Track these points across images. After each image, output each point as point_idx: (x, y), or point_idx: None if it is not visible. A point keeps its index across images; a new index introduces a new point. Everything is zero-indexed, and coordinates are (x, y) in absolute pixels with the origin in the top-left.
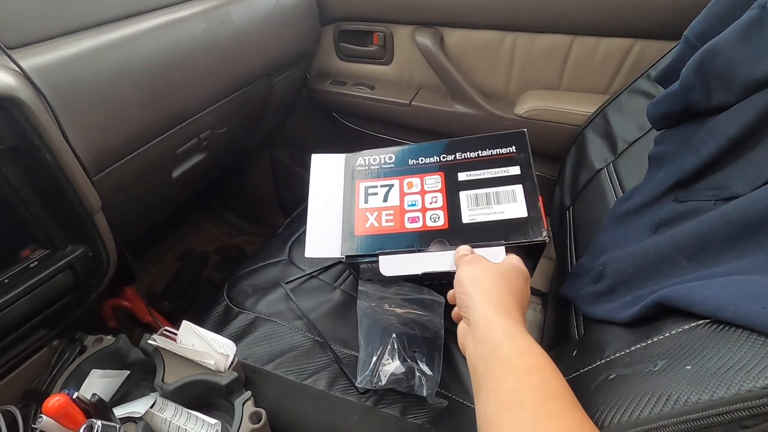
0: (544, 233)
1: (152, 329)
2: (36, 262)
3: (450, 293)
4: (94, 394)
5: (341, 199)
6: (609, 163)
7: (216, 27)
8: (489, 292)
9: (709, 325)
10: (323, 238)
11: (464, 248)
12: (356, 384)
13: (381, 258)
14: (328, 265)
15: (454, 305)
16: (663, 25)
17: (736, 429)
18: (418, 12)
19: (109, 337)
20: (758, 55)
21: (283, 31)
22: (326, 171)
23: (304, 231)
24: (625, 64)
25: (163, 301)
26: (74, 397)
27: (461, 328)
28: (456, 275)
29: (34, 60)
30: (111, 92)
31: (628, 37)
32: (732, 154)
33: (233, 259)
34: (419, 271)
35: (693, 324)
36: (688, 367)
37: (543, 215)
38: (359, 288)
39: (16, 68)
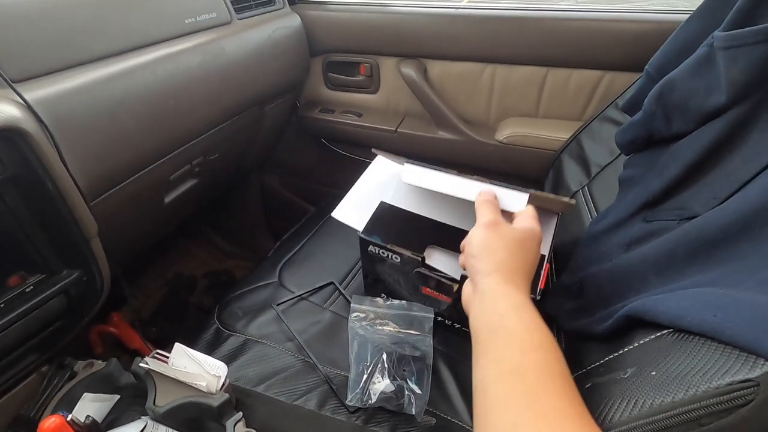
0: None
1: (140, 355)
2: (31, 287)
3: (463, 244)
4: (87, 416)
5: (385, 192)
6: (584, 186)
7: (210, 59)
8: (502, 263)
9: (672, 333)
10: (355, 210)
11: (488, 192)
12: (346, 402)
13: (406, 164)
14: (317, 287)
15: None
16: (628, 59)
17: (695, 427)
18: (403, 45)
19: (99, 361)
20: (708, 88)
21: (274, 63)
22: (383, 170)
23: (294, 254)
24: (596, 94)
25: (151, 326)
26: (68, 419)
27: (468, 288)
28: (470, 234)
29: (37, 93)
30: (109, 122)
31: (597, 69)
32: (691, 177)
33: (222, 283)
34: (439, 189)
35: (658, 334)
36: (653, 373)
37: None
38: (352, 305)
39: (20, 100)
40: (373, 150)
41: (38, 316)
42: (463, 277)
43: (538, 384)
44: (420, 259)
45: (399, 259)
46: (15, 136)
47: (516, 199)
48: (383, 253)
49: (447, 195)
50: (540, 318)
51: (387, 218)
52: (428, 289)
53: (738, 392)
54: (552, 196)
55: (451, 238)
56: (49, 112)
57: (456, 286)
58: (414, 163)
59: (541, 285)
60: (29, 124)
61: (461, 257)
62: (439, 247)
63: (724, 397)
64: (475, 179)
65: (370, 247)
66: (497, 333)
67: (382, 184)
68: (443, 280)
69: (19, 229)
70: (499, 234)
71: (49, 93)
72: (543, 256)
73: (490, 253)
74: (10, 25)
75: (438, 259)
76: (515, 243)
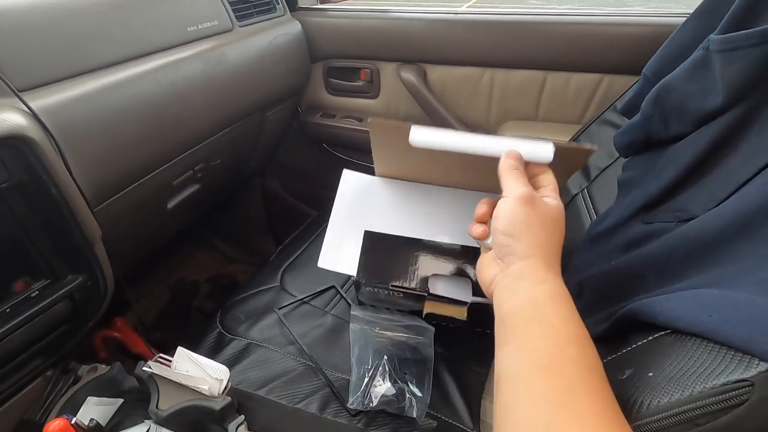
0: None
1: (143, 360)
2: (36, 292)
3: (478, 217)
4: (92, 419)
5: (364, 219)
6: (583, 189)
7: (212, 67)
8: (541, 245)
9: (669, 335)
10: (340, 252)
11: (514, 153)
12: (348, 405)
13: (413, 127)
14: (319, 291)
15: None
16: (626, 62)
17: (691, 427)
18: (402, 50)
19: (103, 365)
20: (705, 91)
21: (276, 69)
22: (355, 189)
23: (296, 258)
24: (595, 97)
25: (155, 331)
26: (73, 422)
27: (490, 266)
28: (501, 208)
29: (42, 101)
30: (113, 129)
31: (596, 72)
32: (689, 179)
33: (225, 287)
34: (454, 147)
35: (656, 335)
36: (651, 374)
37: None
38: (351, 312)
39: (26, 109)
40: (369, 121)
41: (43, 321)
42: (474, 303)
43: (576, 382)
44: (425, 293)
45: (402, 295)
46: (20, 143)
47: (542, 151)
48: (383, 291)
49: (433, 205)
50: (575, 309)
51: (378, 251)
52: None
53: (733, 392)
54: (574, 145)
55: (448, 256)
56: (53, 120)
57: (466, 310)
58: (420, 127)
59: None
60: (34, 132)
61: (474, 228)
62: (440, 274)
63: (720, 397)
64: (491, 137)
65: (367, 288)
66: (532, 321)
67: (360, 206)
68: (452, 310)
69: (25, 235)
70: (537, 211)
71: (54, 101)
72: None
73: (529, 231)
74: (15, 34)
75: (443, 287)
76: (553, 222)
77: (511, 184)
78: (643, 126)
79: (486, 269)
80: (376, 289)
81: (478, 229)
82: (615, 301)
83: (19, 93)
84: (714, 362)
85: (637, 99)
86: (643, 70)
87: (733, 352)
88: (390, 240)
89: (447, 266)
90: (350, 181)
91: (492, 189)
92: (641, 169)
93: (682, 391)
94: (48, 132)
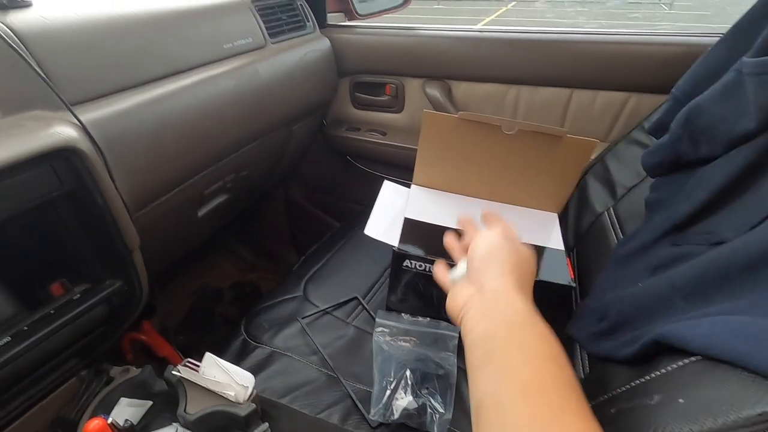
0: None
1: (168, 363)
2: (79, 295)
3: (449, 240)
4: (126, 420)
5: (403, 211)
6: (609, 207)
7: (245, 82)
8: (510, 267)
9: (701, 361)
10: (384, 227)
11: (492, 212)
12: (369, 416)
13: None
14: (341, 302)
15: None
16: (654, 81)
17: None
18: (427, 67)
19: (134, 368)
20: (737, 113)
21: (305, 84)
22: (395, 192)
23: (319, 269)
24: (621, 116)
25: (178, 335)
26: (109, 421)
27: (462, 290)
28: (478, 239)
29: (90, 114)
30: (153, 141)
31: (623, 90)
32: (720, 202)
33: (247, 295)
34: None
35: (687, 360)
36: (681, 401)
37: (569, 267)
38: (377, 319)
39: (77, 122)
40: (424, 112)
41: (82, 323)
42: None
43: (558, 401)
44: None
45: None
46: (72, 155)
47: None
48: (420, 266)
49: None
50: (549, 327)
51: (416, 233)
52: None
53: None
54: (579, 138)
55: None
56: (100, 133)
57: None
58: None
59: (571, 275)
60: (84, 144)
61: (452, 242)
62: None
63: (755, 427)
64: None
65: (406, 262)
66: (511, 345)
67: (399, 204)
68: None
69: (70, 241)
70: (512, 244)
71: (102, 115)
72: (562, 251)
73: (502, 256)
74: (68, 52)
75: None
76: (528, 256)
77: (495, 223)
78: (672, 147)
79: (459, 293)
80: (413, 264)
81: (458, 258)
82: (641, 324)
83: (70, 107)
84: (748, 391)
85: (666, 119)
86: (673, 90)
87: None
88: (429, 227)
89: None
90: (389, 188)
91: (519, 203)
92: (670, 190)
93: (715, 419)
94: (95, 144)
